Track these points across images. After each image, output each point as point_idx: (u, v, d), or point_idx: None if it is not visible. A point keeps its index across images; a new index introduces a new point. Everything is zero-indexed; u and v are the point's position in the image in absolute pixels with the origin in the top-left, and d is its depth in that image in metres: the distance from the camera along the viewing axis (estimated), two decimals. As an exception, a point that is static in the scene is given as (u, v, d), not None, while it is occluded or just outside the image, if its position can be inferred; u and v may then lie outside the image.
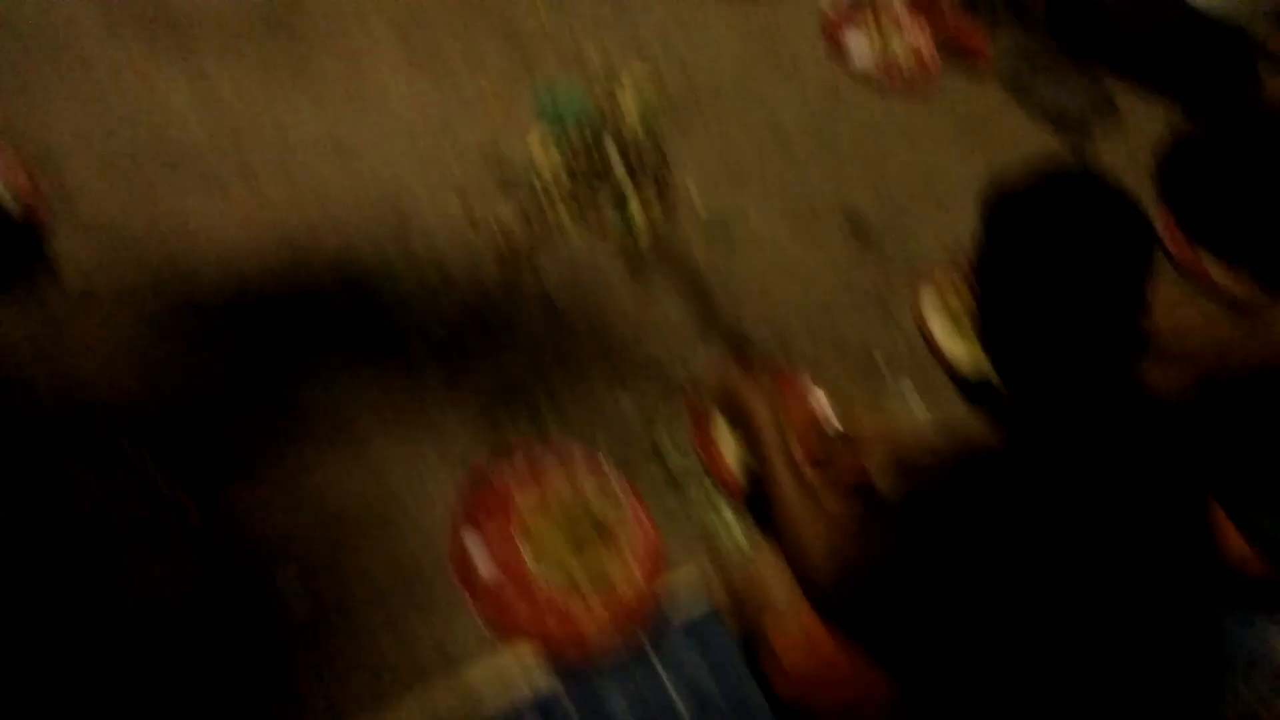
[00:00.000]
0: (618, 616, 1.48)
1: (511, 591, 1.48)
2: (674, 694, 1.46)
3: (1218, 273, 2.47)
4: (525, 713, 1.38)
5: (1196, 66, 2.95)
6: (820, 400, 1.87)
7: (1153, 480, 1.14)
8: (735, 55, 2.64)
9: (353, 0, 2.31)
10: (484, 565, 1.50)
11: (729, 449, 1.72)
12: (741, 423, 1.55)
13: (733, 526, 1.66)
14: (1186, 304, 2.34)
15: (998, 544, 1.08)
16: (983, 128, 2.71)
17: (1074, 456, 1.10)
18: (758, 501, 1.60)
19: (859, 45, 2.75)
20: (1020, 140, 2.71)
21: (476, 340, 1.80)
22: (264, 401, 1.59)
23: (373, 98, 2.14)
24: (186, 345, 1.62)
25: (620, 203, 2.12)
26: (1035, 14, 3.11)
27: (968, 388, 2.03)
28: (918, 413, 1.97)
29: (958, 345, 2.06)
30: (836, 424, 1.82)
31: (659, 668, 1.48)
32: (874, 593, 1.21)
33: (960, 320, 2.09)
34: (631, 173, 2.17)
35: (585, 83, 2.33)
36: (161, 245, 1.72)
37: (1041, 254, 1.12)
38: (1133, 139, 2.85)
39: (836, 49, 2.74)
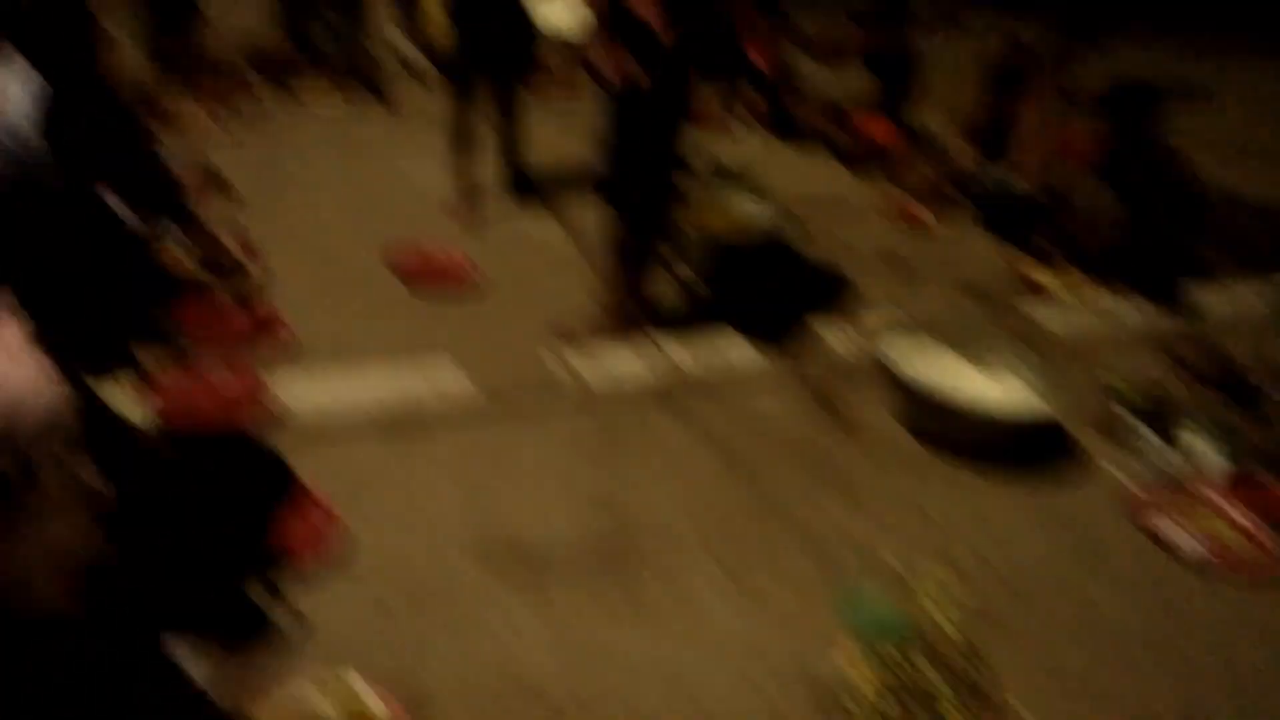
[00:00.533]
0: None
1: None
2: None
3: None
4: None
5: None
6: None
7: None
8: (1041, 548, 2.62)
9: (675, 525, 2.60)
10: None
11: None
12: None
13: None
14: None
15: None
16: (1348, 614, 2.43)
17: None
18: None
19: (1175, 529, 2.65)
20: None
21: None
22: None
23: (692, 620, 2.30)
24: None
25: (942, 720, 2.06)
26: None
27: None
28: None
29: None
30: None
31: None
32: None
33: None
34: (951, 687, 2.12)
35: (891, 590, 2.39)
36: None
37: None
38: None
39: (1151, 533, 2.66)
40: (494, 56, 4.24)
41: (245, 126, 5.16)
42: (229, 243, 3.70)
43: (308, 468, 2.64)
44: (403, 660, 2.10)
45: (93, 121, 2.80)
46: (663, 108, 3.13)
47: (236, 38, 5.85)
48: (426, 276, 3.74)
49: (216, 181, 4.22)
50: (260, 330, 3.27)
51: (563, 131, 5.66)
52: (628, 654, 2.19)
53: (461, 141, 4.33)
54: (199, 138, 4.90)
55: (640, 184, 3.25)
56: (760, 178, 4.71)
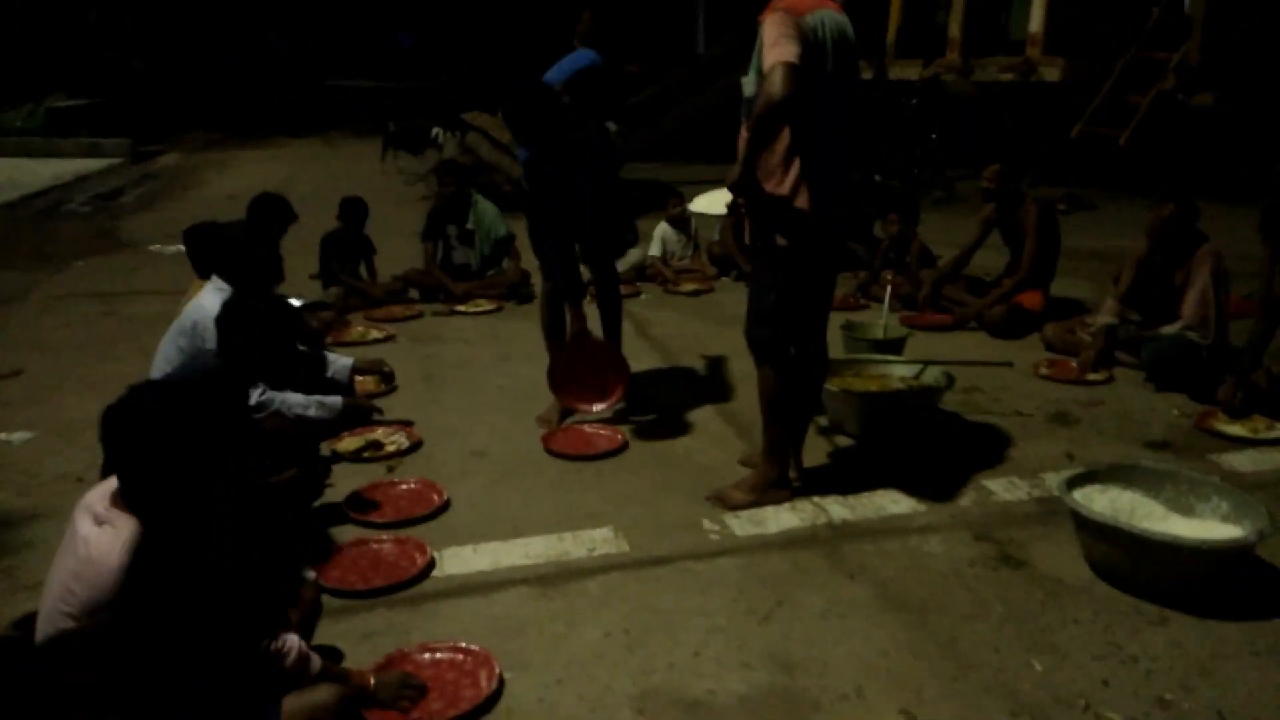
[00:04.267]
0: None
1: None
2: None
3: None
4: None
5: None
6: None
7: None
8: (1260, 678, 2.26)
9: (856, 680, 2.38)
10: None
11: None
12: None
13: None
14: None
15: None
16: None
17: None
18: None
19: None
20: None
21: None
22: None
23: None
24: None
25: None
26: None
27: None
28: None
29: None
30: None
31: None
32: None
33: None
34: None
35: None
36: None
37: None
38: None
39: None
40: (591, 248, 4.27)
41: (407, 334, 5.53)
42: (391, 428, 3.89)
43: (462, 619, 2.61)
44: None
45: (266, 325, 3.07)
46: (816, 272, 3.18)
47: (395, 265, 6.43)
48: (580, 451, 3.79)
49: (381, 374, 4.46)
50: (420, 502, 3.33)
51: (695, 317, 5.86)
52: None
53: (555, 324, 4.35)
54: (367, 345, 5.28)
55: (799, 345, 3.23)
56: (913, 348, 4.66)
